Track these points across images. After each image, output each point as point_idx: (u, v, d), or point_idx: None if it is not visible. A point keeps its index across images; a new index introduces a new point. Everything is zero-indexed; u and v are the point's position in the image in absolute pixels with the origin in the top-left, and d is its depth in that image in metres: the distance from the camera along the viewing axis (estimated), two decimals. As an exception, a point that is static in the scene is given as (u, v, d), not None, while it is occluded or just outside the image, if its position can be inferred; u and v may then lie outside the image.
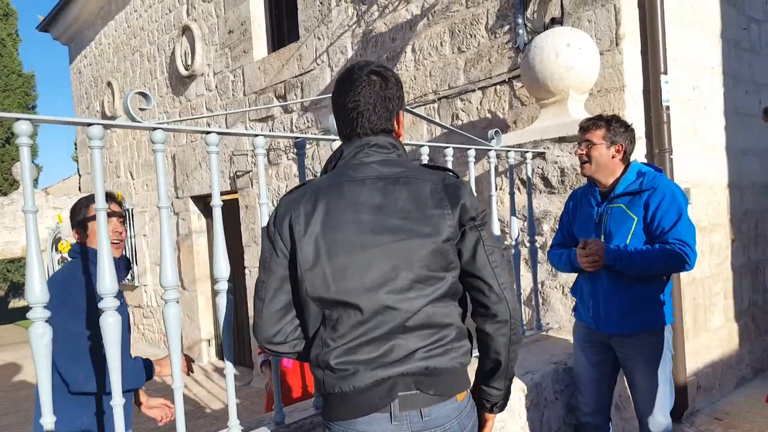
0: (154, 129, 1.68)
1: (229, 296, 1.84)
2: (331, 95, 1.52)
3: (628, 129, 2.48)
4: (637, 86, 3.55)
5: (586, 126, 2.49)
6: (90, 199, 2.27)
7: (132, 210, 9.71)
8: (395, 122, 1.51)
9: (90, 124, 1.55)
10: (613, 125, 2.44)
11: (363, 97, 1.44)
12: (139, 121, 1.66)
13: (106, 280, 1.54)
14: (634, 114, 3.48)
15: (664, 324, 2.44)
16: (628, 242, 2.38)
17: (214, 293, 1.88)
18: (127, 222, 9.80)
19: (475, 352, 1.51)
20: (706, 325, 4.05)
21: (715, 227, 4.14)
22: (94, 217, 2.12)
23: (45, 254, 10.83)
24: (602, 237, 2.44)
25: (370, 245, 1.36)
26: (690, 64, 3.94)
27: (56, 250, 10.78)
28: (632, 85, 3.51)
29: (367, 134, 1.46)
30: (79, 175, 12.69)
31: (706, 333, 4.03)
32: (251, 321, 1.62)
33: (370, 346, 1.36)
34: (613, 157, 2.43)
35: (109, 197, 2.20)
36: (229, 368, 1.86)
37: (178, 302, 1.71)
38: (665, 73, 3.51)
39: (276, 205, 1.47)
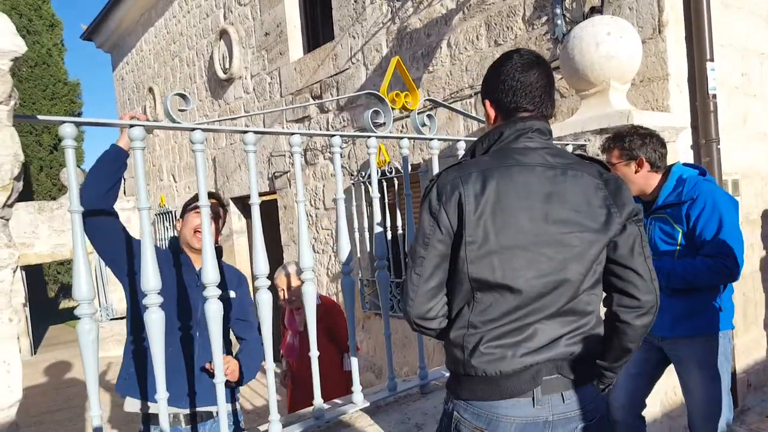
0: (193, 129, 1.71)
1: (269, 293, 1.84)
2: (496, 73, 1.50)
3: (647, 139, 2.37)
4: (681, 75, 3.44)
5: (603, 147, 2.48)
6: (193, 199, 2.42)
7: (175, 212, 9.92)
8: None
9: (132, 126, 1.58)
10: (627, 141, 2.36)
11: (543, 78, 1.47)
12: (179, 122, 1.68)
13: (149, 275, 1.57)
14: (679, 103, 3.37)
15: (718, 329, 2.36)
16: (676, 255, 2.32)
17: (254, 289, 1.89)
18: (171, 224, 10.02)
19: None
20: (757, 320, 3.90)
21: (766, 218, 3.98)
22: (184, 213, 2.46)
23: (92, 256, 11.16)
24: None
25: (543, 234, 1.37)
26: (738, 50, 3.80)
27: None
28: (676, 73, 3.41)
29: (533, 117, 1.47)
30: (124, 179, 13.00)
31: (757, 328, 3.88)
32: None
33: (519, 331, 1.39)
34: (636, 172, 2.38)
35: (210, 195, 2.30)
36: (270, 364, 1.87)
37: (218, 299, 1.73)
38: (711, 60, 3.39)
39: (433, 181, 1.45)
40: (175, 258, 2.37)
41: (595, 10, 3.59)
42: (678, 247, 2.31)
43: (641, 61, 3.30)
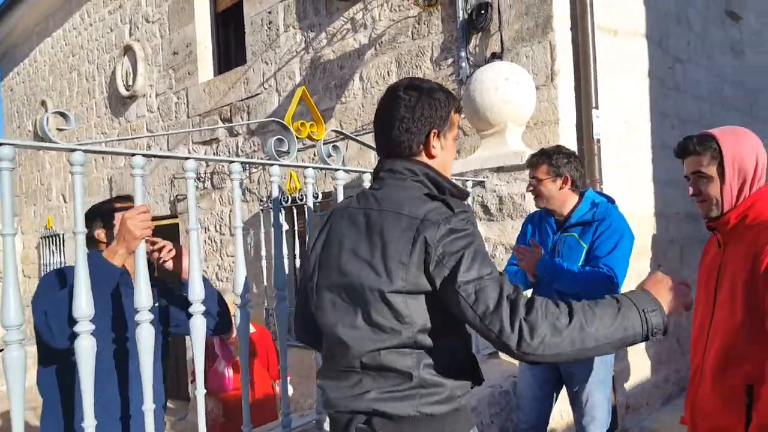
0: (73, 150, 1.57)
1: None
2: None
3: (571, 158, 2.56)
4: (570, 120, 3.74)
5: (531, 163, 2.59)
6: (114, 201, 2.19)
7: (63, 235, 9.34)
8: (423, 144, 1.42)
9: (0, 144, 1.43)
10: (554, 158, 2.52)
11: (384, 117, 1.44)
12: (56, 142, 1.56)
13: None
14: (568, 146, 3.62)
15: None
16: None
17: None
18: (58, 248, 9.41)
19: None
20: (635, 347, 4.24)
21: (642, 254, 4.36)
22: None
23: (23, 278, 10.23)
24: None
25: (335, 281, 1.39)
26: (620, 100, 4.19)
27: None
28: (566, 118, 3.70)
29: (384, 158, 1.45)
30: None
31: (635, 354, 4.22)
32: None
33: (338, 370, 1.41)
34: (561, 189, 2.53)
35: (128, 199, 2.16)
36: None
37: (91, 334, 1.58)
38: (596, 107, 3.71)
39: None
40: (110, 276, 1.95)
41: (495, 56, 3.85)
42: (581, 264, 2.49)
43: (535, 105, 3.58)
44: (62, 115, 1.59)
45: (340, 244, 1.39)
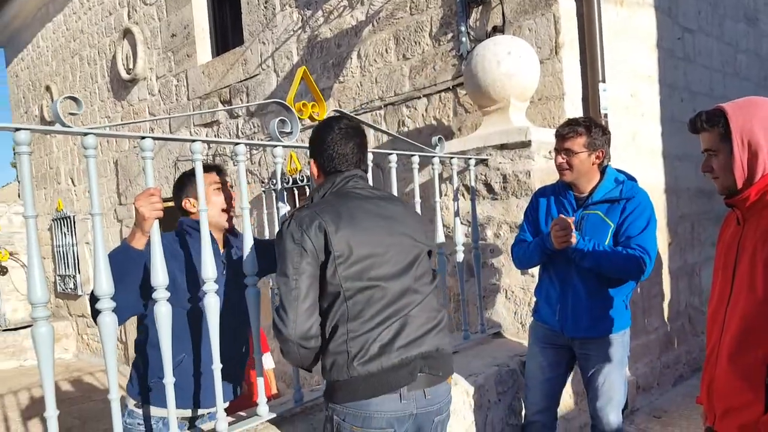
0: (86, 134, 1.62)
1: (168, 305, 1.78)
2: (320, 141, 1.84)
3: (605, 132, 2.45)
4: (576, 94, 3.64)
5: (565, 134, 2.42)
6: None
7: (74, 217, 9.37)
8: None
9: (17, 129, 1.48)
10: (593, 131, 2.39)
11: (356, 148, 1.84)
12: (70, 126, 1.59)
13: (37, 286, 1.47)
14: (574, 121, 3.55)
15: (627, 326, 2.50)
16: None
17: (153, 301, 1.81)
18: (69, 229, 9.45)
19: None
20: (645, 327, 4.17)
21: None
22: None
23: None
24: None
25: (390, 242, 1.70)
26: (628, 73, 4.07)
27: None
28: (571, 92, 3.59)
29: (351, 170, 1.82)
30: (18, 182, 12.18)
31: (645, 335, 4.15)
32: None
33: (394, 320, 1.65)
34: (593, 164, 2.42)
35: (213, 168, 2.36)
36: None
37: (113, 311, 1.64)
38: (603, 81, 3.60)
39: (287, 220, 1.69)
40: (192, 243, 2.18)
41: (497, 30, 3.73)
42: (607, 242, 2.38)
43: (539, 80, 3.47)
44: (74, 99, 1.62)
45: (374, 222, 1.72)
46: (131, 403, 2.18)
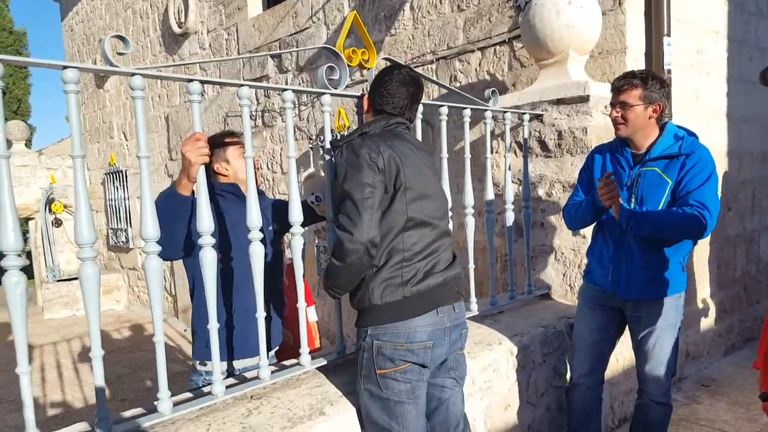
0: (133, 74, 1.62)
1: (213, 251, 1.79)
2: (379, 83, 1.95)
3: (664, 85, 2.32)
4: (638, 48, 3.46)
5: (620, 86, 2.31)
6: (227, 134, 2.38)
7: (126, 172, 9.61)
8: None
9: (65, 67, 1.48)
10: (650, 83, 2.27)
11: (408, 94, 1.95)
12: (117, 66, 1.59)
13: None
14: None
15: (682, 290, 2.41)
16: (660, 207, 2.28)
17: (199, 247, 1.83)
18: (122, 183, 9.72)
19: None
20: (699, 294, 4.04)
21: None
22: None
23: (38, 215, 10.77)
24: (633, 200, 2.34)
25: (434, 185, 1.92)
26: (694, 28, 3.85)
27: (50, 211, 10.73)
28: (634, 47, 3.42)
29: (397, 116, 1.95)
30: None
31: (697, 301, 4.02)
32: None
33: (436, 254, 1.83)
34: (650, 118, 2.30)
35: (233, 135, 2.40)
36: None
37: (159, 255, 1.67)
38: (668, 35, 3.42)
39: (348, 142, 1.81)
40: (227, 205, 2.25)
41: (558, -21, 3.55)
42: (663, 201, 2.28)
43: (600, 32, 3.31)
44: (121, 38, 1.63)
45: (423, 167, 1.90)
46: (196, 364, 2.28)
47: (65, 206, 10.79)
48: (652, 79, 2.29)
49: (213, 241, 1.78)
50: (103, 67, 1.59)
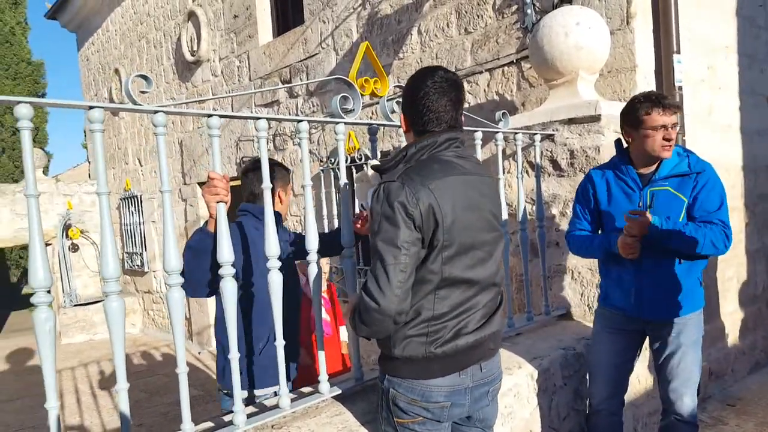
0: (156, 112, 1.67)
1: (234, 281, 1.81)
2: (413, 90, 1.68)
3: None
4: (648, 66, 3.47)
5: (670, 104, 2.26)
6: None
7: (141, 197, 9.72)
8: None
9: (91, 107, 1.52)
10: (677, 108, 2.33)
11: (450, 104, 1.67)
12: (140, 105, 1.63)
13: (109, 263, 1.52)
14: (646, 95, 3.40)
15: (702, 305, 2.40)
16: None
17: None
18: (137, 208, 9.82)
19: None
20: (719, 311, 3.99)
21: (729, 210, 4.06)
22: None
23: (55, 240, 10.89)
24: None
25: (482, 236, 1.64)
26: (704, 43, 3.85)
27: (67, 236, 10.84)
28: (644, 65, 3.43)
29: (443, 132, 1.67)
30: (89, 162, 12.72)
31: (719, 319, 3.97)
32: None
33: (472, 311, 1.63)
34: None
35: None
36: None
37: (181, 287, 1.69)
38: (678, 52, 3.43)
39: (392, 183, 1.53)
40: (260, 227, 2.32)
41: (564, 0, 3.59)
42: (682, 218, 2.28)
43: (609, 52, 3.32)
44: (144, 78, 1.68)
45: (473, 213, 1.63)
46: (224, 391, 2.40)
47: (82, 232, 10.91)
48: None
49: (233, 271, 1.79)
50: (127, 105, 1.63)
